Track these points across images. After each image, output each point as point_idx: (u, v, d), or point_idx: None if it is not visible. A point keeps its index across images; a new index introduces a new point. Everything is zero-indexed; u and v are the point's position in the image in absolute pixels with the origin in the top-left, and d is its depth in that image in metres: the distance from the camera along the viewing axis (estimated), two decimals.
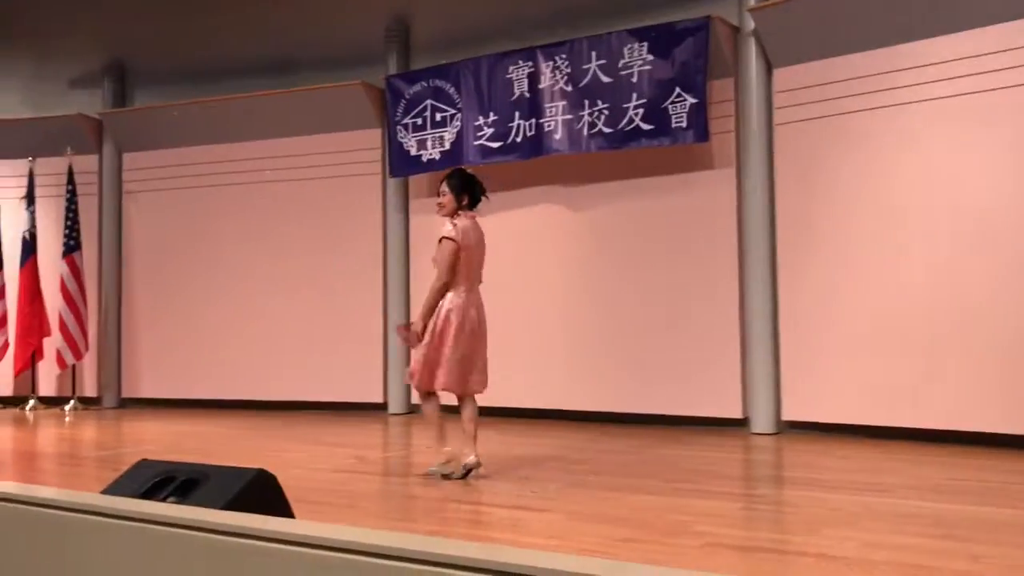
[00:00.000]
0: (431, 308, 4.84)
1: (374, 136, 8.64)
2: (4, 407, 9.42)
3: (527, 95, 7.52)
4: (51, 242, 9.50)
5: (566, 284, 7.68)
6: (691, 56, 6.86)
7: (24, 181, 9.52)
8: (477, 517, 4.00)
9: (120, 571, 2.37)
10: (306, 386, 8.64)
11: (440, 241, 4.90)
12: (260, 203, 8.99)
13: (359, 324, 8.54)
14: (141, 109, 9.70)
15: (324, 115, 8.63)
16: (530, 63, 7.51)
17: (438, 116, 8.04)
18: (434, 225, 8.25)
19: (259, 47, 9.26)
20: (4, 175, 9.66)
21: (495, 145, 7.70)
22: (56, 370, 9.40)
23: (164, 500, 2.75)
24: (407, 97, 8.22)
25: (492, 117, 7.71)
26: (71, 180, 9.41)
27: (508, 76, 7.62)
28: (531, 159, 7.56)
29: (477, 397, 4.95)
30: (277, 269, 8.87)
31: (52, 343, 9.32)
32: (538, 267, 7.81)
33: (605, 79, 7.17)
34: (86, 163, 9.64)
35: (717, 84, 7.00)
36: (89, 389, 9.54)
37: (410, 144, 8.20)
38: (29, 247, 9.43)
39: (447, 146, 7.98)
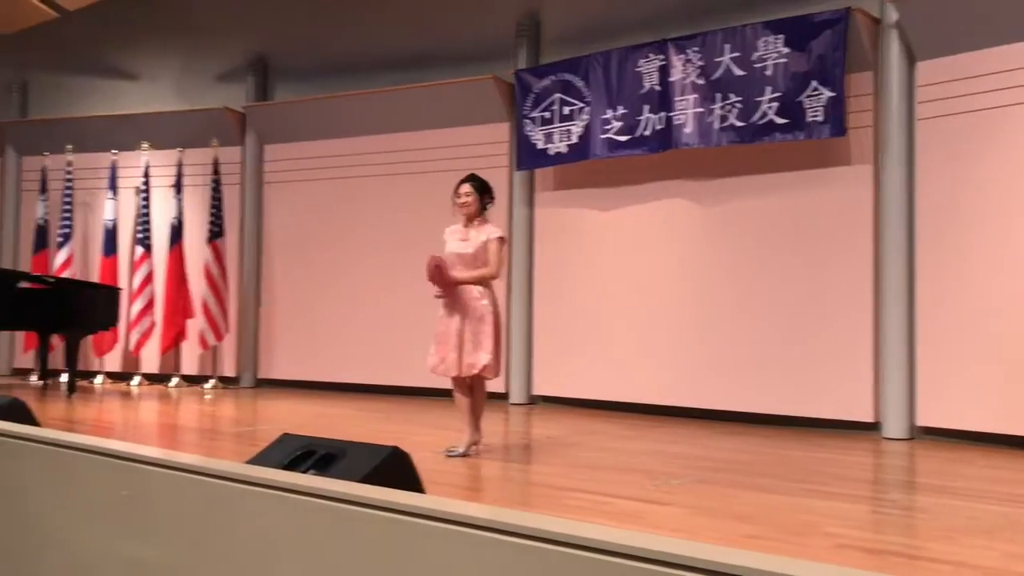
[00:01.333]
0: (467, 280, 5.23)
1: (502, 130, 8.75)
2: (151, 384, 10.01)
3: (657, 88, 7.47)
4: (197, 229, 10.02)
5: (694, 279, 7.60)
6: (829, 48, 6.67)
7: (174, 170, 10.08)
8: (598, 506, 4.02)
9: (261, 536, 2.51)
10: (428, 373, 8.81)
11: (492, 241, 5.29)
12: (392, 194, 9.24)
13: None
14: (281, 103, 10.11)
15: (455, 109, 8.81)
16: (661, 56, 7.46)
17: (566, 110, 8.08)
18: (559, 217, 8.38)
19: (394, 43, 9.51)
20: (156, 164, 10.24)
21: (623, 139, 7.68)
22: (198, 350, 9.92)
23: (304, 472, 2.88)
24: (536, 91, 8.29)
25: (620, 110, 7.69)
26: (216, 170, 9.91)
27: (638, 69, 7.59)
28: (660, 153, 7.51)
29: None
30: (405, 259, 9.08)
31: (195, 325, 9.83)
32: (666, 262, 7.75)
33: (738, 72, 7.05)
34: (230, 154, 10.12)
35: (855, 77, 6.79)
36: (228, 369, 10.03)
37: (537, 138, 8.27)
38: (176, 233, 9.97)
39: (574, 139, 8.01)
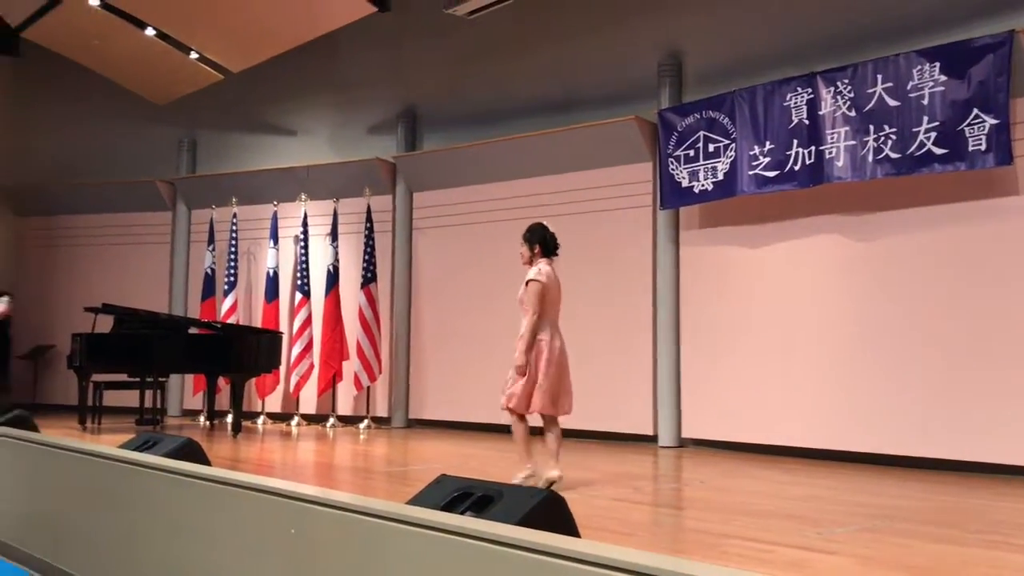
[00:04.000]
0: (529, 344, 5.53)
1: (645, 169, 8.74)
2: (308, 424, 10.41)
3: (806, 122, 7.30)
4: (351, 274, 10.43)
5: (849, 318, 7.31)
6: (991, 74, 6.35)
7: (330, 220, 10.54)
8: (759, 554, 3.89)
9: (420, 574, 2.55)
10: (575, 413, 8.78)
11: (527, 284, 5.64)
12: None
13: (630, 355, 8.61)
14: (430, 152, 10.43)
15: (598, 150, 8.86)
16: (809, 89, 7.29)
17: (711, 147, 8.00)
18: (705, 256, 8.27)
19: (538, 88, 9.69)
20: (313, 214, 10.74)
21: (771, 174, 7.53)
22: (353, 391, 10.26)
23: (462, 513, 2.92)
24: (679, 129, 8.25)
25: (768, 146, 7.54)
26: (369, 218, 10.30)
27: (786, 103, 7.44)
28: (810, 187, 7.31)
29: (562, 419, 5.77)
30: None
31: (350, 366, 10.18)
32: (819, 300, 7.50)
33: (891, 103, 6.81)
34: (381, 202, 10.50)
35: (1022, 103, 6.43)
36: (381, 409, 10.32)
37: (682, 176, 8.21)
38: (332, 279, 10.40)
39: (720, 176, 7.90)
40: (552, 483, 5.38)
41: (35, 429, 5.60)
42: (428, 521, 2.56)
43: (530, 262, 5.79)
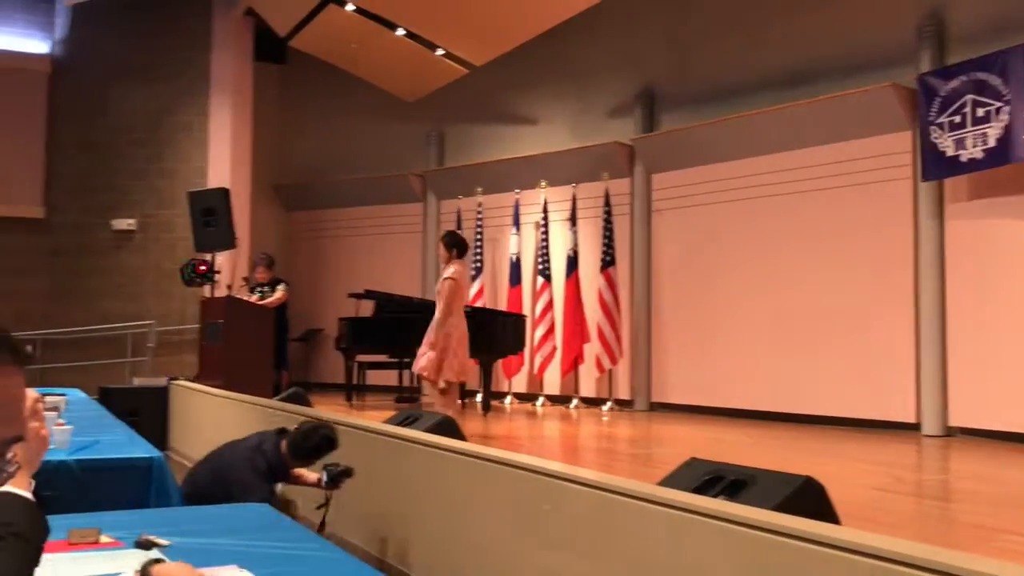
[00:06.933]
0: (441, 327, 6.73)
1: (903, 139, 8.16)
2: (553, 404, 10.64)
3: None
4: (590, 258, 10.52)
5: None
6: None
7: (569, 205, 10.69)
8: None
9: (672, 556, 2.54)
10: (831, 400, 8.42)
11: (444, 281, 6.81)
12: (782, 215, 8.99)
13: (888, 339, 8.10)
14: (668, 132, 10.30)
15: (848, 121, 8.38)
16: None
17: (980, 111, 7.33)
18: (974, 230, 7.63)
19: (780, 60, 9.30)
20: (553, 200, 10.94)
21: None
22: (595, 373, 10.36)
23: (714, 497, 2.88)
24: (942, 95, 7.63)
25: None
26: (607, 202, 10.34)
27: None
28: None
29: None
30: (801, 281, 8.80)
31: (592, 349, 10.30)
32: None
33: None
34: (619, 186, 10.50)
35: None
36: (623, 392, 10.35)
37: (946, 144, 7.59)
38: (572, 263, 10.55)
39: (992, 143, 7.23)
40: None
41: (309, 405, 6.13)
42: (682, 503, 2.55)
43: (448, 261, 6.86)
